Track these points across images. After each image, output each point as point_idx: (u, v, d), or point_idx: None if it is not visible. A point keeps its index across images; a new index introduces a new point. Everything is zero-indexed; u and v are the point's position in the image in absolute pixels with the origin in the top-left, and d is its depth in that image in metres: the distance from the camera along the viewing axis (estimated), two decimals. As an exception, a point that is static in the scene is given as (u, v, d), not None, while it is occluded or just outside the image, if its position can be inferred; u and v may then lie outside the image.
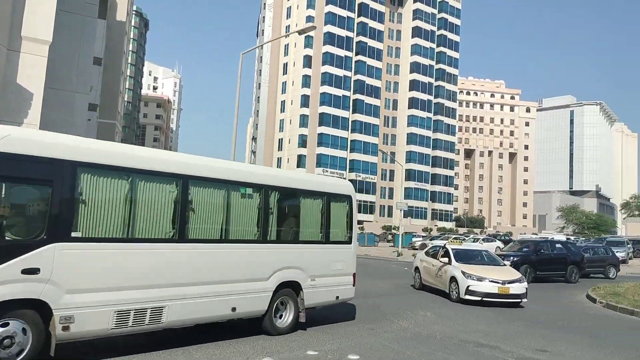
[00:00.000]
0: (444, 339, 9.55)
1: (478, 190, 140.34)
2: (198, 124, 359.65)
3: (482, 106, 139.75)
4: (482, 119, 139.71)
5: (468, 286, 14.40)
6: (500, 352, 8.66)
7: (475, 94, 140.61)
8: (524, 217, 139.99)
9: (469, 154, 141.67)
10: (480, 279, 14.41)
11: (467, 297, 14.37)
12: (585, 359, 8.55)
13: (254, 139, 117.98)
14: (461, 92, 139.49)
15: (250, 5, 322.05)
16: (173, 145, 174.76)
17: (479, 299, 14.26)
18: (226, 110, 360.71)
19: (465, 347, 8.98)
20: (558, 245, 24.40)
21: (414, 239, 55.08)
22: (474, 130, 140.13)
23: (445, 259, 15.94)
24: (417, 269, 18.13)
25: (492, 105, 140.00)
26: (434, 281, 16.63)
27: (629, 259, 41.10)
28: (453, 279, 15.07)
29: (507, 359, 8.24)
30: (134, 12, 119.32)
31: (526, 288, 14.67)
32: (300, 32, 18.30)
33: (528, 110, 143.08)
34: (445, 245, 17.36)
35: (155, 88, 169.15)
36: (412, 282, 18.67)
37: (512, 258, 21.41)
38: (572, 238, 60.71)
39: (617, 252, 38.93)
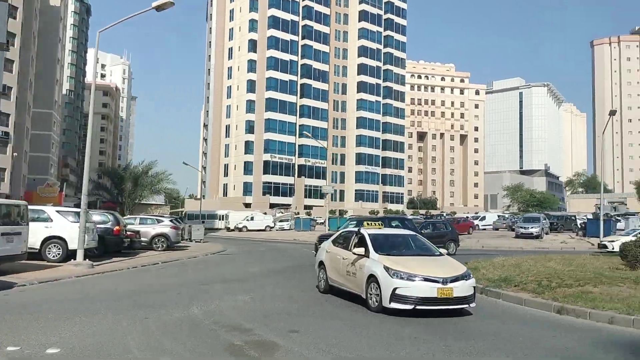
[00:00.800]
0: None
1: (431, 172, 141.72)
2: (154, 112, 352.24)
3: (432, 89, 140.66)
4: (433, 102, 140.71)
5: (395, 289, 9.80)
6: None
7: (427, 77, 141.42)
8: (476, 197, 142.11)
9: (421, 136, 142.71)
10: (411, 277, 9.80)
11: (394, 305, 9.78)
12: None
13: (205, 126, 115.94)
14: (412, 75, 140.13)
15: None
16: (124, 134, 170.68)
17: (410, 307, 9.70)
18: (181, 98, 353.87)
19: None
20: (440, 225, 25.96)
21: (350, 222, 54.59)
22: (426, 113, 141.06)
23: (361, 250, 11.11)
24: (321, 264, 13.03)
25: (442, 89, 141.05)
26: (344, 281, 11.76)
27: (545, 233, 41.85)
28: (372, 278, 10.37)
29: None
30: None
31: (474, 287, 10.30)
32: (157, 9, 17.27)
33: (477, 92, 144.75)
34: (360, 229, 12.13)
35: (103, 76, 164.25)
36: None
37: None
38: (506, 215, 61.75)
39: (532, 227, 39.66)
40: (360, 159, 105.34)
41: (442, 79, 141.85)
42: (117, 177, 39.06)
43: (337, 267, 12.23)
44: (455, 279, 10.11)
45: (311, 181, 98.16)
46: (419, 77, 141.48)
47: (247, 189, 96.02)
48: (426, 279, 9.93)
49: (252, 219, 61.86)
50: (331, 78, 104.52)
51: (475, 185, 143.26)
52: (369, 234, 11.63)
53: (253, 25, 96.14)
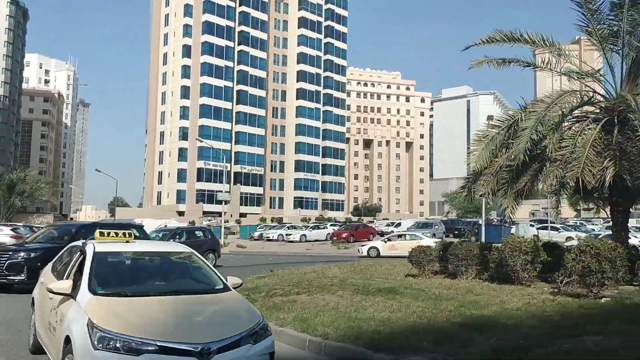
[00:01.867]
0: None
1: (377, 179, 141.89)
2: (107, 118, 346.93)
3: (379, 97, 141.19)
4: (379, 110, 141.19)
5: None
6: None
7: (372, 85, 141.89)
8: (421, 203, 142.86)
9: (367, 144, 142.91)
10: (133, 347, 5.06)
11: None
12: None
13: (146, 131, 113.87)
14: (359, 83, 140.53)
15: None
16: (68, 142, 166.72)
17: None
18: (131, 104, 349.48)
19: None
20: (198, 233, 24.14)
21: (258, 230, 53.86)
22: (372, 120, 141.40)
23: (68, 285, 6.20)
24: (33, 304, 8.03)
25: (388, 96, 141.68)
26: (47, 341, 6.69)
27: (439, 238, 41.71)
28: (69, 345, 5.42)
29: None
30: (8, 1, 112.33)
31: (271, 353, 5.80)
32: None
33: (423, 100, 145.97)
34: (85, 243, 7.06)
35: (47, 81, 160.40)
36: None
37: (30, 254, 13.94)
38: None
39: (422, 233, 39.52)
40: (299, 166, 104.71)
41: (388, 86, 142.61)
42: (-14, 186, 37.47)
43: (44, 311, 7.01)
44: (229, 345, 5.32)
45: (247, 189, 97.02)
46: (365, 84, 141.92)
47: (180, 196, 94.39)
48: (165, 349, 5.04)
49: (165, 227, 60.29)
50: (270, 85, 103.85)
51: (421, 192, 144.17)
52: (94, 253, 6.59)
53: (187, 30, 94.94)
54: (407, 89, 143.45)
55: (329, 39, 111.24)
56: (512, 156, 14.88)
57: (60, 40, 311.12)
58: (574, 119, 15.76)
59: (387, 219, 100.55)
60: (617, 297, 12.06)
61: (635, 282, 12.61)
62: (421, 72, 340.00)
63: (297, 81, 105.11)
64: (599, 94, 15.33)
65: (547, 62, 16.16)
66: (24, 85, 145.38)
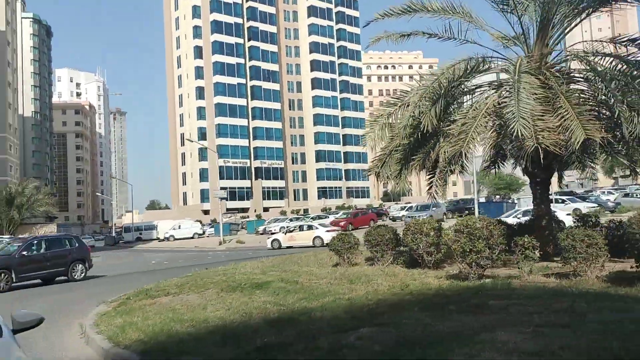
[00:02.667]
0: None
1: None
2: (145, 125, 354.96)
3: (401, 78, 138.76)
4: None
5: None
6: None
7: (394, 67, 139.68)
8: (454, 184, 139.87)
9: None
10: None
11: None
12: None
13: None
14: (379, 66, 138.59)
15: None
16: (104, 150, 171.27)
17: None
18: (159, 107, 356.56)
19: None
20: (64, 242, 21.41)
21: (266, 225, 53.76)
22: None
23: None
24: None
25: (410, 77, 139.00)
26: None
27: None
28: None
29: None
30: (30, 19, 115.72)
31: None
32: None
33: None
34: None
35: (79, 94, 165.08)
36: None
37: None
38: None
39: (419, 215, 38.67)
40: (320, 156, 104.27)
41: (410, 67, 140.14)
42: (-14, 200, 38.73)
43: None
44: None
45: (269, 183, 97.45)
46: (386, 67, 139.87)
47: (204, 195, 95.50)
48: None
49: (179, 227, 61.28)
50: (284, 77, 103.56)
51: (452, 172, 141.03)
52: None
53: (197, 31, 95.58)
54: (430, 67, 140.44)
55: (340, 25, 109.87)
56: (403, 135, 14.20)
57: (87, 53, 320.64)
58: (481, 89, 14.86)
59: (409, 202, 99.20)
60: (499, 277, 11.32)
61: (511, 261, 11.73)
62: (444, 48, 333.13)
63: (311, 71, 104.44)
64: (498, 58, 14.38)
65: (448, 30, 15.23)
66: (58, 100, 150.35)
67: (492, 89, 13.92)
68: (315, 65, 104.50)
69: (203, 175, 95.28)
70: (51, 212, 44.96)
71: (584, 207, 37.60)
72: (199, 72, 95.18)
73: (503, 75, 15.20)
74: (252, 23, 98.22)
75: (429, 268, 13.65)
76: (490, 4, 14.15)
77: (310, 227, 34.10)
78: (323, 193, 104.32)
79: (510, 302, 7.77)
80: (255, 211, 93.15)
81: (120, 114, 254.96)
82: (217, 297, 10.81)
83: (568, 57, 13.64)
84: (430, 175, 17.51)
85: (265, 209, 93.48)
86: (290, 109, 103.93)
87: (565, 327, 6.24)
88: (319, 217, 48.20)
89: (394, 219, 49.45)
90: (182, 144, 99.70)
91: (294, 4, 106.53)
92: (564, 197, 41.16)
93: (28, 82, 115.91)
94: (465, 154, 12.27)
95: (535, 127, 11.30)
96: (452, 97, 14.10)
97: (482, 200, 46.78)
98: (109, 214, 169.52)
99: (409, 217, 40.51)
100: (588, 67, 11.94)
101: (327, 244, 29.21)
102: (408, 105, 13.19)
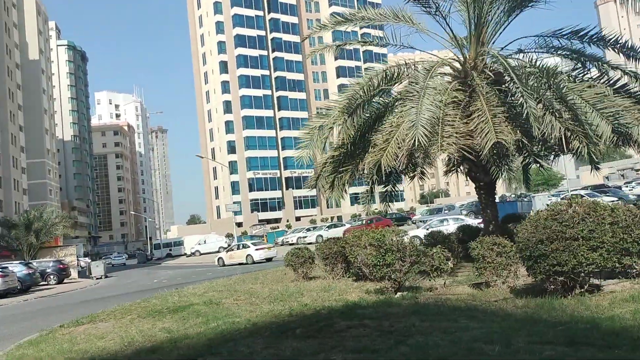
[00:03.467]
0: None
1: (442, 163, 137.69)
2: (185, 141, 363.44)
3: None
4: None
5: None
6: None
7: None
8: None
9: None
10: None
11: None
12: None
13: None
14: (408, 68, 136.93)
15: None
16: (145, 169, 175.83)
17: None
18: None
19: None
20: None
21: (285, 236, 53.76)
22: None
23: None
24: None
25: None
26: None
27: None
28: None
29: None
30: (65, 47, 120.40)
31: None
32: None
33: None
34: None
35: (118, 115, 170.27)
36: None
37: None
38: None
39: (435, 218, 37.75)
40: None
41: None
42: (7, 226, 40.30)
43: None
44: None
45: (300, 192, 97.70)
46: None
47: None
48: None
49: (204, 242, 62.11)
50: (311, 85, 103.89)
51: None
52: None
53: (221, 47, 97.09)
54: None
55: (365, 30, 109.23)
56: (335, 146, 14.02)
57: (122, 75, 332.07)
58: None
59: (440, 204, 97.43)
60: (417, 290, 10.97)
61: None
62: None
63: (337, 77, 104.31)
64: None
65: (384, 38, 15.01)
66: (99, 122, 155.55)
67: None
68: (341, 72, 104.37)
69: (234, 188, 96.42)
70: (68, 234, 46.25)
71: (605, 201, 35.97)
72: (225, 87, 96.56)
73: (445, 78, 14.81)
74: (275, 34, 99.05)
75: (371, 280, 13.33)
76: (415, 5, 13.80)
77: (244, 246, 36.67)
78: (355, 199, 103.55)
79: (362, 323, 7.48)
80: (287, 221, 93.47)
81: (161, 131, 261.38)
82: (128, 324, 10.84)
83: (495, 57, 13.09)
84: (385, 185, 17.20)
85: (297, 218, 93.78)
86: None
87: (374, 352, 5.95)
88: (334, 226, 47.92)
89: (416, 224, 48.59)
90: (213, 157, 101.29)
91: (317, 11, 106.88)
92: (582, 192, 39.53)
93: (66, 107, 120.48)
94: (385, 164, 11.91)
95: (443, 133, 10.91)
96: (383, 107, 13.78)
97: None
98: (152, 230, 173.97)
99: (421, 221, 39.82)
100: (505, 66, 11.41)
101: (257, 261, 33.96)
102: (335, 118, 12.97)
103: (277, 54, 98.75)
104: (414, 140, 10.28)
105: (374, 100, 13.81)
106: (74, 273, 39.55)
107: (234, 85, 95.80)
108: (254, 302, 11.65)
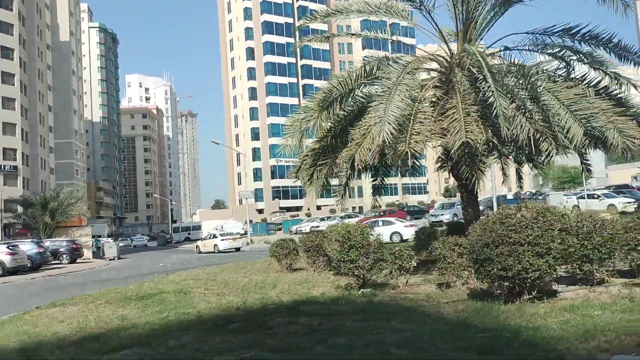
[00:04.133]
0: None
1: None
2: (215, 125, 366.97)
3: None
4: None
5: None
6: None
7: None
8: (520, 177, 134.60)
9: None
10: None
11: None
12: None
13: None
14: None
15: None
16: (172, 152, 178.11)
17: None
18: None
19: None
20: None
21: (300, 225, 53.90)
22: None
23: None
24: None
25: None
26: None
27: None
28: None
29: None
30: (97, 29, 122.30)
31: None
32: None
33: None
34: None
35: (147, 99, 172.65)
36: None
37: None
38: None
39: (442, 214, 37.53)
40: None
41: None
42: (25, 205, 41.33)
43: None
44: None
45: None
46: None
47: (258, 195, 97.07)
48: None
49: (221, 227, 62.64)
50: (336, 75, 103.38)
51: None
52: None
53: (249, 33, 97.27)
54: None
55: (394, 20, 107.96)
56: (316, 139, 14.00)
57: (153, 59, 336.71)
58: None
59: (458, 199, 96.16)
60: (381, 288, 10.92)
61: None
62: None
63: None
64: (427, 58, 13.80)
65: (373, 29, 14.91)
66: (128, 105, 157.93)
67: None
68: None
69: (257, 174, 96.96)
70: (84, 215, 47.23)
71: (619, 202, 35.20)
72: (251, 73, 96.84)
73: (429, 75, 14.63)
74: (302, 21, 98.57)
75: (346, 275, 13.31)
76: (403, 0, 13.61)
77: (214, 236, 40.90)
78: (377, 190, 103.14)
79: (297, 321, 7.49)
80: (308, 209, 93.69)
81: (191, 115, 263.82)
82: (92, 310, 11.06)
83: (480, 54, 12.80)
84: (373, 179, 17.10)
85: (318, 207, 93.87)
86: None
87: (289, 351, 5.97)
88: (349, 217, 47.87)
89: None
90: (237, 144, 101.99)
91: None
92: (598, 192, 38.67)
93: (96, 89, 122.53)
94: (359, 158, 11.80)
95: (412, 130, 10.77)
96: (367, 101, 13.64)
97: (510, 196, 44.69)
98: (178, 214, 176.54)
99: (432, 215, 39.53)
100: (480, 64, 11.15)
101: (222, 250, 37.34)
102: (312, 110, 12.92)
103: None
104: (382, 137, 10.16)
105: (357, 94, 13.68)
106: (87, 253, 40.41)
107: (260, 72, 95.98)
108: (223, 293, 11.75)
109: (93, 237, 60.57)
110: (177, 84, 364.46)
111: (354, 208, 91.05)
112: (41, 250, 31.77)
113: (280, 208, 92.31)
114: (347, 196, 15.33)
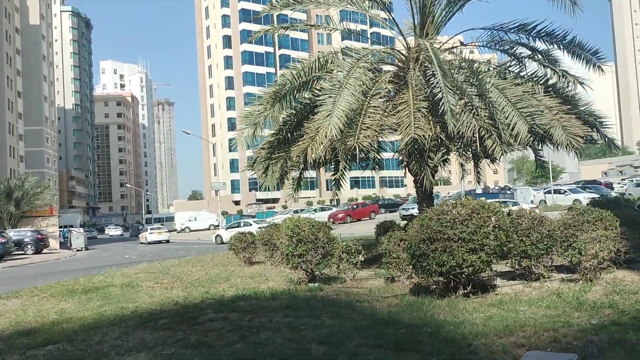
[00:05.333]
0: None
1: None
2: (192, 115, 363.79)
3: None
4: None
5: None
6: None
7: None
8: (495, 172, 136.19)
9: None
10: None
11: None
12: None
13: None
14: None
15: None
16: (148, 141, 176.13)
17: None
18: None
19: None
20: None
21: (273, 217, 53.67)
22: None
23: None
24: None
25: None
26: None
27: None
28: None
29: None
30: (69, 13, 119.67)
31: None
32: None
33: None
34: None
35: (122, 86, 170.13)
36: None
37: None
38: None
39: (412, 208, 37.74)
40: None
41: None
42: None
43: None
44: None
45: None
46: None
47: (235, 186, 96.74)
48: None
49: (195, 219, 62.29)
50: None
51: (493, 160, 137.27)
52: None
53: (226, 20, 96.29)
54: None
55: (373, 11, 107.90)
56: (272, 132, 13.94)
57: (129, 44, 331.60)
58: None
59: (439, 192, 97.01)
60: (328, 283, 10.91)
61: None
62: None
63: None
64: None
65: (331, 22, 14.90)
66: (102, 92, 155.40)
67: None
68: (348, 53, 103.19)
69: (233, 165, 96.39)
70: (53, 204, 46.33)
71: (584, 197, 35.80)
72: (228, 62, 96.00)
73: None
74: (281, 12, 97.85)
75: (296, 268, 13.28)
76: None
77: (146, 230, 48.01)
78: (355, 183, 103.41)
79: (226, 317, 7.46)
80: (285, 201, 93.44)
81: (168, 104, 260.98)
82: (35, 303, 10.91)
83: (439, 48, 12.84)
84: (333, 173, 17.09)
85: (295, 199, 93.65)
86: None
87: (209, 348, 5.92)
88: (322, 209, 48.02)
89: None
90: (214, 134, 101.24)
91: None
92: (565, 188, 39.32)
93: (68, 75, 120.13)
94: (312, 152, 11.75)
95: (362, 125, 10.76)
96: (320, 94, 13.60)
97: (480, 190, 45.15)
98: (154, 204, 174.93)
99: (403, 209, 39.77)
100: (431, 59, 11.17)
101: (150, 242, 43.42)
102: (266, 102, 12.84)
103: (283, 31, 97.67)
104: (330, 131, 10.14)
105: (315, 87, 13.63)
106: (54, 243, 39.80)
107: (237, 61, 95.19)
108: (171, 287, 11.66)
109: (65, 227, 59.74)
110: (153, 71, 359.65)
111: (330, 200, 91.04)
112: (3, 241, 31.22)
113: (257, 200, 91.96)
114: (300, 189, 15.23)
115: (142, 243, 45.86)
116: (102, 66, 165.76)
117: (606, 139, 13.14)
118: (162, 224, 69.03)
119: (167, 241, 44.55)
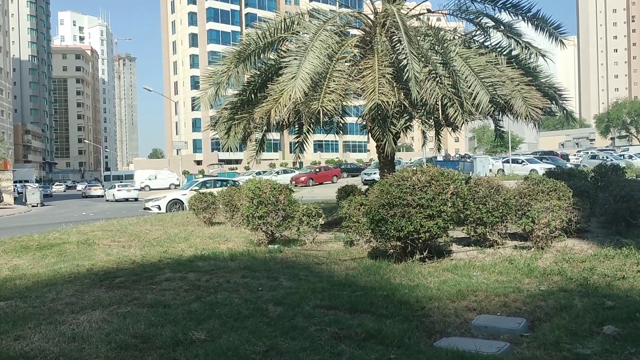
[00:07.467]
0: None
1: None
2: (154, 71, 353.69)
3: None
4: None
5: None
6: None
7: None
8: (456, 140, 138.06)
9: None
10: None
11: None
12: None
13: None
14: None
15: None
16: (108, 96, 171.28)
17: None
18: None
19: None
20: None
21: (235, 177, 53.56)
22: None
23: None
24: None
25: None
26: None
27: None
28: None
29: None
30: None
31: None
32: None
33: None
34: None
35: (82, 38, 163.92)
36: None
37: None
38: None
39: (374, 173, 38.02)
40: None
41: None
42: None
43: None
44: None
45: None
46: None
47: (197, 146, 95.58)
48: None
49: (155, 177, 61.42)
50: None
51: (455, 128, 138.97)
52: None
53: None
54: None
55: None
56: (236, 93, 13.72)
57: None
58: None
59: (401, 158, 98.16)
60: (287, 245, 10.96)
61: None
62: None
63: (311, 19, 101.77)
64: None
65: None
66: (61, 44, 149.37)
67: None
68: (315, 15, 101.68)
69: (195, 125, 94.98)
70: (7, 158, 44.86)
71: (540, 167, 36.69)
72: (192, 18, 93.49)
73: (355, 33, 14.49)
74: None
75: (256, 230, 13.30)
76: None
77: (114, 187, 48.77)
78: (319, 146, 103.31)
79: (184, 276, 7.46)
80: (248, 162, 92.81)
81: (129, 59, 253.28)
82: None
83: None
84: (296, 136, 17.00)
85: (258, 161, 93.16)
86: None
87: (165, 307, 5.91)
88: (285, 172, 47.98)
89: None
90: (176, 92, 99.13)
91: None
92: (522, 158, 40.27)
93: (24, 25, 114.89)
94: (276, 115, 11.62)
95: (327, 89, 10.68)
96: (288, 56, 13.40)
97: (440, 158, 45.90)
98: (113, 162, 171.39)
99: (365, 174, 40.02)
100: (397, 25, 11.10)
101: (117, 199, 44.25)
102: (229, 62, 12.59)
103: None
104: (294, 94, 10.04)
105: (280, 48, 13.40)
106: (8, 199, 38.76)
107: (202, 17, 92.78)
108: (129, 245, 11.53)
109: (20, 182, 58.09)
110: (115, 25, 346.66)
111: (294, 163, 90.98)
112: None
113: (220, 160, 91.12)
114: (263, 151, 15.15)
115: (108, 200, 45.86)
116: (60, 17, 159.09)
117: (565, 112, 13.42)
118: (121, 182, 67.95)
119: (136, 199, 44.12)
